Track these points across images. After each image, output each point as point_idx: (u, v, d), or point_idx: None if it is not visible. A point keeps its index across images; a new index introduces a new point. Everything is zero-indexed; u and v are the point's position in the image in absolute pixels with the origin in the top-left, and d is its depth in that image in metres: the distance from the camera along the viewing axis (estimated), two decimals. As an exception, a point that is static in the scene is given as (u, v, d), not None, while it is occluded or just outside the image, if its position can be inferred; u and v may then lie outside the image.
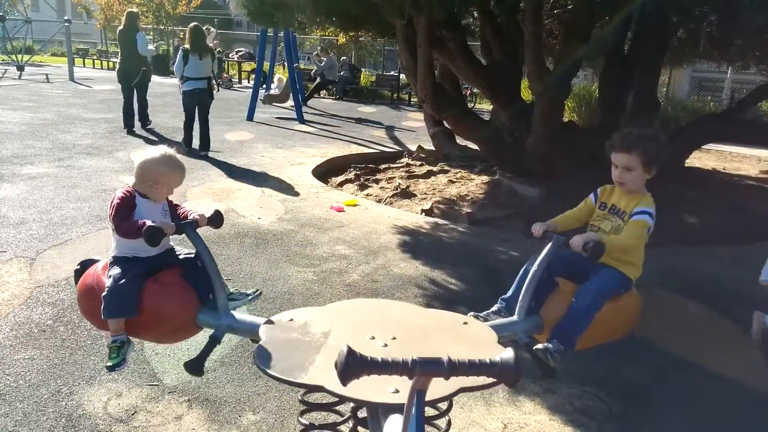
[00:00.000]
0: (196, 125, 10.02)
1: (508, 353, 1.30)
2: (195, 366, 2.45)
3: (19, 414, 3.00)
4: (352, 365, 1.26)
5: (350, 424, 2.36)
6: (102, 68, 29.59)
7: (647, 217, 2.61)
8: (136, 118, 11.76)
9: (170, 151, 2.58)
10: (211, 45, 11.35)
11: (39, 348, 3.63)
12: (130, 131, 11.42)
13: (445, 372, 1.28)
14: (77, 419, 2.99)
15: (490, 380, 1.72)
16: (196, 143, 10.07)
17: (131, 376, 3.40)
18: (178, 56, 10.02)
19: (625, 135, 2.72)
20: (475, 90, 18.26)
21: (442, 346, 2.07)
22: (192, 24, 10.24)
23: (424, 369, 1.29)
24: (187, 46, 9.82)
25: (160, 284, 2.47)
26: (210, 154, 9.86)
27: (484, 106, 18.18)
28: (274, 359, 1.90)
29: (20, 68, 22.25)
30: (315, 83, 20.66)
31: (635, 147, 2.64)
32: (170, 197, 2.68)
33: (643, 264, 2.73)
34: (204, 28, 10.56)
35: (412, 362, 1.28)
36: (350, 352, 1.27)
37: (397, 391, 1.68)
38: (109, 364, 2.46)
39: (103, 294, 2.38)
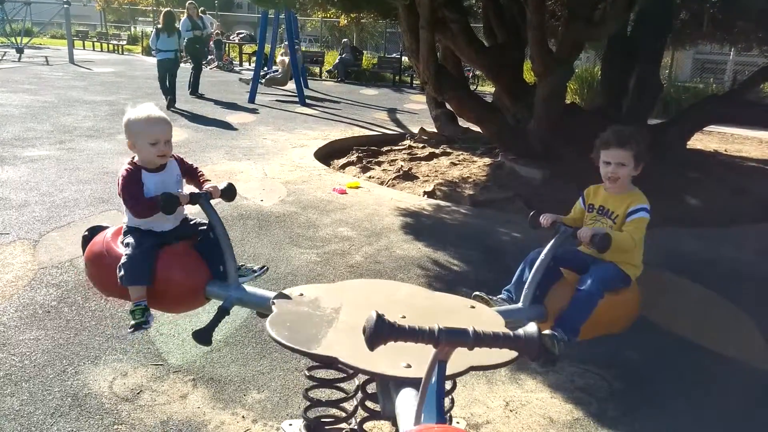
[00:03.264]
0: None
1: (531, 327, 1.32)
2: (203, 336, 2.46)
3: (26, 393, 3.03)
4: (381, 330, 1.29)
5: (356, 400, 2.38)
6: (102, 50, 29.45)
7: (645, 213, 2.65)
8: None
9: (144, 107, 2.53)
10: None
11: (44, 329, 3.66)
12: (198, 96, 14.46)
13: (471, 342, 1.30)
14: (83, 398, 3.02)
15: (500, 360, 1.75)
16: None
17: (136, 356, 3.42)
18: (152, 34, 13.08)
19: (618, 132, 2.75)
20: (478, 72, 18.18)
21: (453, 326, 2.09)
22: (165, 10, 13.19)
23: (449, 338, 1.30)
24: (159, 26, 12.75)
25: (171, 254, 2.48)
26: (212, 137, 9.86)
27: (487, 89, 18.11)
28: (287, 330, 1.92)
29: (20, 51, 22.14)
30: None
31: (629, 143, 2.68)
32: (182, 159, 2.66)
33: (642, 264, 2.76)
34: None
35: (439, 331, 1.29)
36: (379, 317, 1.29)
37: (409, 366, 1.70)
38: (133, 322, 2.46)
39: (121, 262, 2.39)
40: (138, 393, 3.10)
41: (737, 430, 3.10)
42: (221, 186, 2.58)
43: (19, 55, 21.86)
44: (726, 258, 5.53)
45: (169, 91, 12.61)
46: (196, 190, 2.55)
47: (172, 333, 3.67)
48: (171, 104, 12.50)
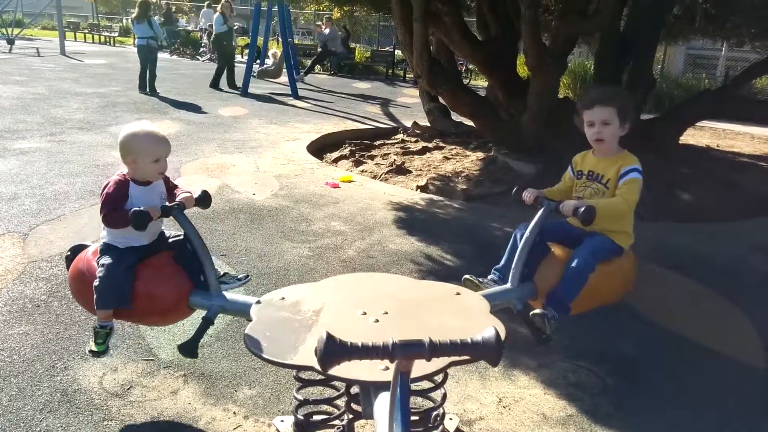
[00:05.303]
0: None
1: (489, 332, 1.28)
2: (189, 348, 2.46)
3: (14, 389, 3.00)
4: (332, 352, 1.25)
5: (346, 398, 2.37)
6: (94, 42, 29.24)
7: (636, 174, 2.60)
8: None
9: (144, 125, 2.53)
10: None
11: (33, 323, 3.62)
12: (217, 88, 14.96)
13: (426, 354, 1.26)
14: (72, 394, 2.99)
15: None
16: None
17: (126, 351, 3.40)
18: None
19: (598, 90, 2.73)
20: (471, 66, 18.16)
21: (435, 319, 2.07)
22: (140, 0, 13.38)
23: (404, 352, 1.26)
24: (134, 16, 13.48)
25: (151, 268, 2.46)
26: (204, 130, 9.80)
27: (480, 83, 18.09)
28: (264, 340, 1.91)
29: (10, 42, 21.96)
30: (316, 54, 20.37)
31: (612, 99, 2.64)
32: (168, 178, 2.65)
33: (633, 231, 2.73)
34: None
35: (393, 346, 1.25)
36: (329, 338, 1.25)
37: (387, 369, 1.68)
38: (94, 349, 2.46)
39: (95, 284, 2.37)
40: (128, 388, 3.08)
41: (729, 425, 3.10)
42: (195, 195, 2.56)
43: (9, 46, 21.68)
44: (718, 253, 5.54)
45: (144, 77, 13.17)
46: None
47: (162, 328, 3.64)
48: (145, 91, 13.10)
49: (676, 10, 10.67)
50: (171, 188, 2.67)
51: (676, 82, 17.11)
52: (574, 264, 2.52)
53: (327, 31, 20.44)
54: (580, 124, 2.75)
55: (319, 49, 20.40)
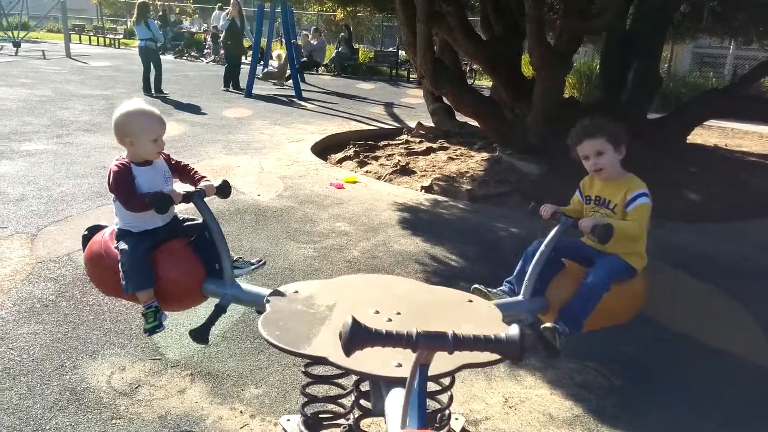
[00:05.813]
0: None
1: (513, 329, 1.28)
2: (200, 334, 2.46)
3: (24, 387, 3.02)
4: (357, 336, 1.25)
5: (352, 396, 2.38)
6: (98, 44, 29.34)
7: (645, 198, 2.61)
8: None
9: (138, 103, 2.52)
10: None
11: (42, 323, 3.65)
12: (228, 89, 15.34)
13: (450, 346, 1.26)
14: (81, 392, 3.01)
15: (493, 357, 1.74)
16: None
17: (134, 351, 3.42)
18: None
19: (582, 125, 2.73)
20: (475, 66, 18.14)
21: (448, 323, 2.07)
22: (139, 1, 13.45)
23: (428, 343, 1.27)
24: (133, 18, 13.77)
25: (166, 253, 2.47)
26: (209, 131, 9.83)
27: (484, 83, 18.07)
28: (278, 330, 1.91)
29: (16, 45, 22.06)
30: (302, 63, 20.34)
31: (597, 130, 2.66)
32: (168, 156, 2.65)
33: (646, 253, 2.73)
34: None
35: (417, 335, 1.26)
36: (355, 323, 1.26)
37: (400, 365, 1.69)
38: (147, 326, 2.47)
39: (122, 270, 2.39)
40: (136, 387, 3.10)
41: (736, 425, 3.10)
42: (216, 183, 2.57)
43: (15, 49, 21.78)
44: (726, 253, 5.53)
45: (147, 78, 13.46)
46: (190, 188, 2.54)
47: (169, 327, 3.65)
48: (150, 92, 13.28)
49: (683, 9, 10.65)
50: (176, 167, 2.66)
51: (683, 80, 17.03)
52: (589, 281, 2.52)
53: (315, 42, 20.54)
54: (577, 158, 2.77)
55: (304, 59, 20.22)
